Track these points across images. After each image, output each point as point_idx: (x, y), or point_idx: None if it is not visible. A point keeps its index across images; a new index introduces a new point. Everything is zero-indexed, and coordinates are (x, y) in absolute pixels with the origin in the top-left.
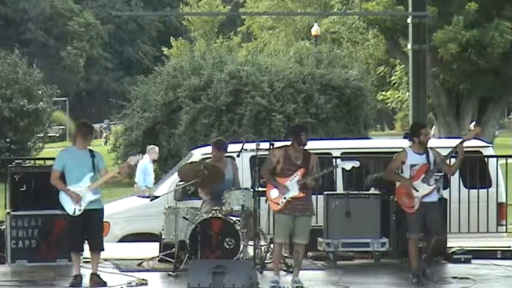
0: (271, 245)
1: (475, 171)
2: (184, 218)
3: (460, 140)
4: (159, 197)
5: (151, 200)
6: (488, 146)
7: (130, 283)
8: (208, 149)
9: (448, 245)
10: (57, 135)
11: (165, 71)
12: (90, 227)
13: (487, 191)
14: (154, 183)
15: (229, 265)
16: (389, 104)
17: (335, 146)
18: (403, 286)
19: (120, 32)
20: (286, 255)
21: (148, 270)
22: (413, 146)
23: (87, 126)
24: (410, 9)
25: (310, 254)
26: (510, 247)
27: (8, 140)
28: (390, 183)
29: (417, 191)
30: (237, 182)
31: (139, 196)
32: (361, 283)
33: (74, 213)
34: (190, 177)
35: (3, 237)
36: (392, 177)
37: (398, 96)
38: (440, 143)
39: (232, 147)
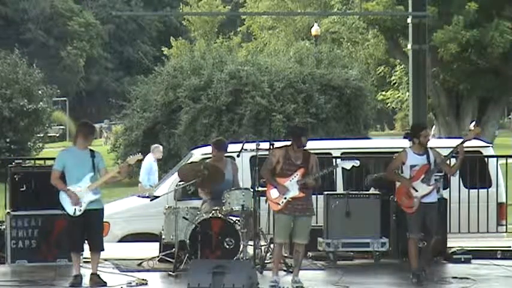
0: (271, 245)
1: (475, 171)
2: (184, 218)
3: (461, 140)
4: (159, 197)
5: (151, 200)
6: (488, 146)
7: (130, 283)
8: (208, 149)
9: (448, 245)
10: (57, 135)
11: (165, 71)
12: (90, 227)
13: (487, 191)
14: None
15: (229, 265)
16: (389, 104)
17: (335, 146)
18: (403, 286)
19: (120, 32)
20: (286, 255)
21: (148, 270)
22: (414, 146)
23: (89, 126)
24: (410, 9)
25: (310, 254)
26: (510, 247)
27: (8, 140)
28: (390, 183)
29: (416, 191)
30: (237, 182)
31: (139, 196)
32: (361, 283)
33: (74, 213)
34: (190, 177)
35: (3, 237)
36: (393, 177)
37: (398, 96)
38: (441, 143)
39: (232, 147)
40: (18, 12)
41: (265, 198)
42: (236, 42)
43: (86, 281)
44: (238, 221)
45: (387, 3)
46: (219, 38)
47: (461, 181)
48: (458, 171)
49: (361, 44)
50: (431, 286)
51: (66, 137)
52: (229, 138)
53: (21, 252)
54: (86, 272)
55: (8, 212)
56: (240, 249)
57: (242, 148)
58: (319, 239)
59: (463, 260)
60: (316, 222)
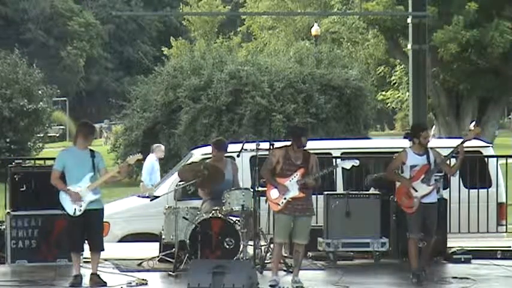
0: (271, 245)
1: (475, 171)
2: (184, 218)
3: (461, 140)
4: (159, 197)
5: (151, 200)
6: (488, 146)
7: (130, 283)
8: (208, 149)
9: (448, 245)
10: (57, 135)
11: (165, 71)
12: (90, 227)
13: (487, 191)
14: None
15: (229, 265)
16: (389, 104)
17: (335, 146)
18: (403, 286)
19: (120, 32)
20: (286, 255)
21: (148, 270)
22: (414, 146)
23: (89, 126)
24: (410, 9)
25: (310, 254)
26: (510, 247)
27: (8, 140)
28: (390, 183)
29: (416, 191)
30: (237, 182)
31: (139, 196)
32: (361, 283)
33: (74, 213)
34: (190, 177)
35: (3, 237)
36: (393, 177)
37: (398, 96)
38: (441, 143)
39: (232, 147)
40: (18, 12)
41: (265, 198)
42: (236, 42)
43: (86, 281)
44: (238, 221)
45: (387, 3)
46: (219, 38)
47: (461, 181)
48: (458, 171)
49: (361, 44)
50: (431, 286)
51: (66, 137)
52: (229, 138)
53: (21, 252)
54: (86, 272)
55: (8, 212)
56: (240, 249)
57: (242, 148)
58: (319, 239)
59: (463, 260)
60: (316, 222)
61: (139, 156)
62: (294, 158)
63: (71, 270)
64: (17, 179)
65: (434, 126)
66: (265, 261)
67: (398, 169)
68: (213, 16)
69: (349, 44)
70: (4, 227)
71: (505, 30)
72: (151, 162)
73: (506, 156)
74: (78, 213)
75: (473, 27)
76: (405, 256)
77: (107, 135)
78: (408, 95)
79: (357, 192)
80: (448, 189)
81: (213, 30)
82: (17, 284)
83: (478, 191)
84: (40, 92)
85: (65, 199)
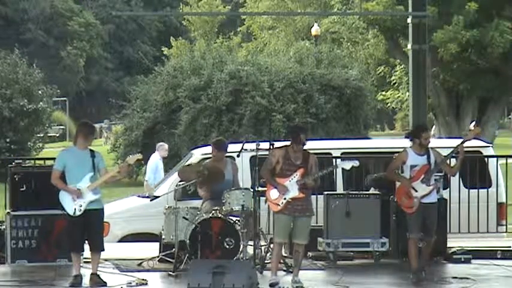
0: (271, 245)
1: (475, 171)
2: (184, 218)
3: (461, 140)
4: (159, 197)
5: (151, 200)
6: (488, 146)
7: (130, 283)
8: (208, 149)
9: (448, 245)
10: (57, 135)
11: (165, 71)
12: (91, 227)
13: (487, 191)
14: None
15: (229, 265)
16: (389, 104)
17: (335, 146)
18: (403, 286)
19: (120, 32)
20: (286, 255)
21: (148, 270)
22: (414, 146)
23: (89, 126)
24: (410, 9)
25: (310, 254)
26: (510, 247)
27: (8, 140)
28: (390, 183)
29: (416, 191)
30: (237, 182)
31: (139, 196)
32: (361, 283)
33: (74, 213)
34: (190, 177)
35: (3, 237)
36: (393, 177)
37: (398, 96)
38: (441, 143)
39: (232, 147)
40: (18, 12)
41: (265, 198)
42: (236, 42)
43: (86, 281)
44: (238, 221)
45: (387, 3)
46: (219, 38)
47: (461, 181)
48: (458, 171)
49: (361, 44)
50: (431, 286)
51: (66, 137)
52: (229, 138)
53: (21, 252)
54: (86, 272)
55: (8, 212)
56: (240, 249)
57: (242, 148)
58: (319, 239)
59: (463, 260)
60: (316, 222)
61: (139, 156)
62: (293, 158)
63: (71, 270)
64: (17, 179)
65: (434, 126)
66: (265, 261)
67: (399, 169)
68: (213, 16)
69: (349, 44)
70: (4, 227)
71: (505, 30)
72: (155, 161)
73: (506, 156)
74: (78, 213)
75: (473, 27)
76: (405, 256)
77: (107, 135)
78: (408, 95)
79: (357, 192)
80: (448, 189)
81: (213, 30)
82: (17, 284)
83: (478, 191)
84: (40, 92)
85: (64, 199)
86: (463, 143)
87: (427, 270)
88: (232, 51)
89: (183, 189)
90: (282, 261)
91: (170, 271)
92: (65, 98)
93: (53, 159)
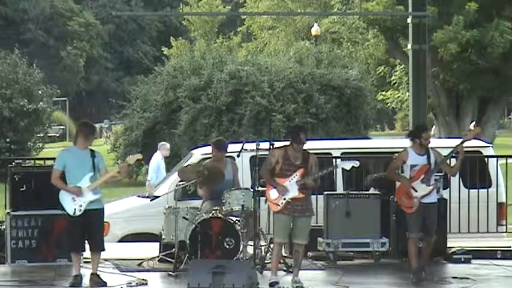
0: (271, 245)
1: (475, 171)
2: (184, 218)
3: (460, 140)
4: (159, 197)
5: (151, 200)
6: (488, 146)
7: (130, 283)
8: (208, 149)
9: (448, 245)
10: (57, 135)
11: (165, 71)
12: (91, 227)
13: (487, 191)
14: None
15: (229, 265)
16: (389, 104)
17: (335, 146)
18: (403, 286)
19: (120, 32)
20: (286, 255)
21: (148, 270)
22: (414, 146)
23: (89, 126)
24: (410, 9)
25: (310, 254)
26: (510, 247)
27: (8, 140)
28: (390, 183)
29: (416, 191)
30: (237, 182)
31: (139, 196)
32: (361, 283)
33: (74, 213)
34: (190, 177)
35: (3, 237)
36: (393, 176)
37: (398, 96)
38: (441, 143)
39: (232, 147)
40: (18, 12)
41: (265, 198)
42: (236, 42)
43: (86, 281)
44: (238, 221)
45: (387, 3)
46: (219, 38)
47: (461, 181)
48: (458, 171)
49: (361, 44)
50: (431, 286)
51: (66, 137)
52: (229, 138)
53: (21, 252)
54: (86, 272)
55: (8, 212)
56: (240, 249)
57: (242, 148)
58: (319, 239)
59: (463, 260)
60: (316, 222)
61: (139, 156)
62: (293, 158)
63: (71, 270)
64: (17, 179)
65: (434, 126)
66: (265, 261)
67: (399, 169)
68: (213, 16)
69: (349, 44)
70: (4, 227)
71: (505, 30)
72: (157, 161)
73: (506, 156)
74: (78, 213)
75: (473, 27)
76: (405, 256)
77: (108, 135)
78: (408, 95)
79: (357, 192)
80: (448, 189)
81: (213, 30)
82: (17, 284)
83: (478, 191)
84: (40, 92)
85: (65, 199)
86: (462, 143)
87: (427, 270)
88: (232, 51)
89: (183, 189)
90: (282, 261)
91: (170, 271)
92: (65, 98)
93: (53, 159)
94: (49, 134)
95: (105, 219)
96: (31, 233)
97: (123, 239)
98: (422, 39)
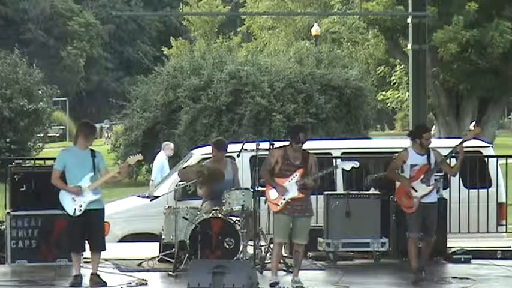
0: (271, 245)
1: (475, 171)
2: (184, 218)
3: (460, 140)
4: (159, 197)
5: (151, 200)
6: (488, 146)
7: (130, 283)
8: (208, 149)
9: (448, 245)
10: (57, 135)
11: (165, 71)
12: (91, 227)
13: (487, 191)
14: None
15: (229, 265)
16: (389, 104)
17: (335, 146)
18: (403, 286)
19: (120, 32)
20: (286, 255)
21: (148, 270)
22: (415, 146)
23: (89, 126)
24: (410, 9)
25: (310, 254)
26: (510, 247)
27: (8, 140)
28: (390, 183)
29: (416, 191)
30: (237, 182)
31: (139, 196)
32: (361, 283)
33: (74, 213)
34: (190, 177)
35: (3, 237)
36: (394, 176)
37: (398, 96)
38: (440, 143)
39: (232, 147)
40: (18, 12)
41: (265, 198)
42: (236, 42)
43: (86, 281)
44: (238, 221)
45: (387, 3)
46: (219, 38)
47: (461, 181)
48: (458, 171)
49: (361, 44)
50: (431, 286)
51: (66, 137)
52: (229, 138)
53: (21, 252)
54: (86, 272)
55: (8, 212)
56: (240, 249)
57: (242, 148)
58: (319, 239)
59: (463, 260)
60: (316, 222)
61: (139, 156)
62: (292, 158)
63: (71, 270)
64: (17, 179)
65: (434, 126)
66: (265, 261)
67: (399, 168)
68: (213, 16)
69: (349, 44)
70: (4, 227)
71: (505, 30)
72: (161, 160)
73: (506, 156)
74: (78, 213)
75: (473, 27)
76: (405, 256)
77: (109, 135)
78: (408, 95)
79: (357, 192)
80: (448, 189)
81: (213, 30)
82: (17, 284)
83: (478, 191)
84: (40, 92)
85: (65, 199)
86: (462, 143)
87: (427, 270)
88: (232, 51)
89: (183, 189)
90: (282, 261)
91: (170, 271)
92: (65, 98)
93: (53, 159)
94: (49, 134)
95: (105, 219)
96: (31, 233)
97: (123, 239)
98: (422, 39)
